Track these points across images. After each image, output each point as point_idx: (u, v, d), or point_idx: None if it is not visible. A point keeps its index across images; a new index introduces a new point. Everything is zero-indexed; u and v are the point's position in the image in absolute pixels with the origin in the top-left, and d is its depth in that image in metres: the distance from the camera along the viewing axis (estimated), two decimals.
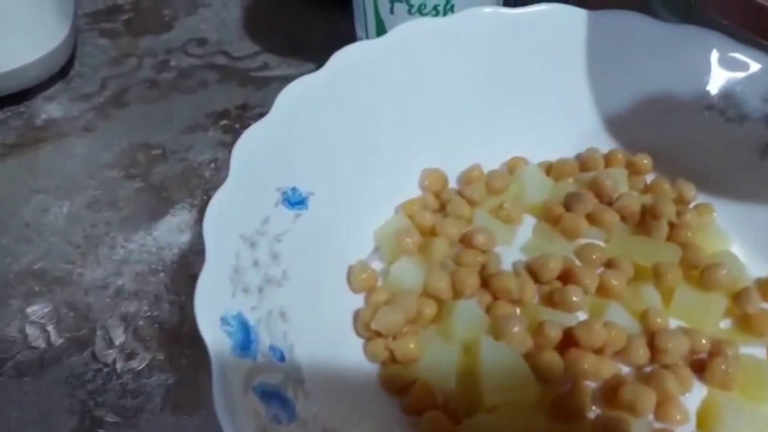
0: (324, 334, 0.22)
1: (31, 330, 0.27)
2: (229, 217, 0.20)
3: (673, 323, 0.23)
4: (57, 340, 0.26)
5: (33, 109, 0.36)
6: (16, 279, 0.28)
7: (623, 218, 0.26)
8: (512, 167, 0.28)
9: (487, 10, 0.27)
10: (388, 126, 0.27)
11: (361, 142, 0.26)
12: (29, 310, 0.27)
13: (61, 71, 0.37)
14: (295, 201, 0.24)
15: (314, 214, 0.24)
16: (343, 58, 0.25)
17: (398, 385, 0.21)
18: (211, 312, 0.18)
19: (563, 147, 0.29)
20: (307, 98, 0.24)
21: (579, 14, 0.28)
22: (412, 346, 0.22)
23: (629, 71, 0.28)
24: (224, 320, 0.18)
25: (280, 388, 0.18)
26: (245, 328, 0.19)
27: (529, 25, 0.27)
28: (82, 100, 0.36)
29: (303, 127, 0.24)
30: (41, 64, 0.35)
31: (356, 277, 0.24)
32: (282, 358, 0.19)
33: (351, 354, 0.22)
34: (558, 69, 0.28)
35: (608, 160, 0.28)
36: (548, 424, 0.20)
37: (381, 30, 0.31)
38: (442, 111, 0.28)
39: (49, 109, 0.36)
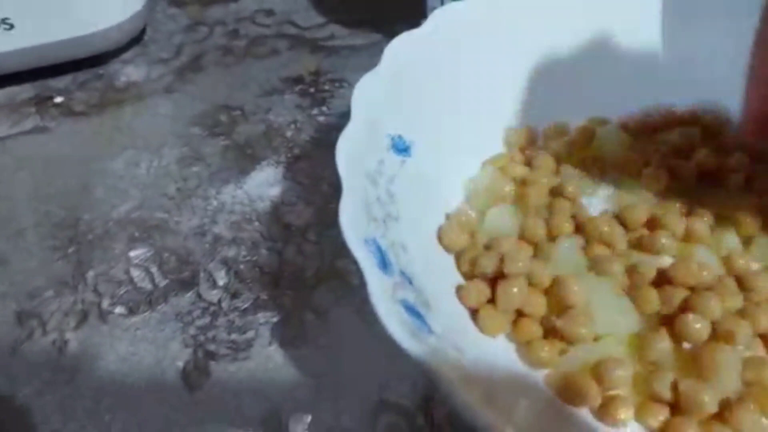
0: (435, 269, 0.23)
1: (135, 272, 0.28)
2: (355, 153, 0.22)
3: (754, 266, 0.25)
4: (161, 282, 0.27)
5: (111, 71, 0.37)
6: (116, 226, 0.29)
7: (700, 174, 0.28)
8: (593, 125, 0.29)
9: None
10: (480, 83, 0.28)
11: (455, 97, 0.27)
12: (132, 254, 0.28)
13: (136, 38, 0.38)
14: (401, 148, 0.25)
15: (416, 162, 0.25)
16: (443, 17, 0.27)
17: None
18: (356, 233, 0.19)
19: (638, 106, 0.30)
20: (411, 52, 0.26)
21: None
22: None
23: (705, 30, 0.29)
24: (366, 242, 0.19)
25: (415, 305, 0.20)
26: (381, 252, 0.20)
27: None
28: (160, 64, 0.37)
29: (407, 79, 0.26)
30: (119, 28, 0.36)
31: (454, 225, 0.25)
32: (411, 282, 0.21)
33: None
34: (634, 31, 0.30)
35: (683, 119, 0.29)
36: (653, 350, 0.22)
37: None
38: (528, 72, 0.29)
39: (128, 71, 0.37)
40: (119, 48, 0.38)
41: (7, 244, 0.28)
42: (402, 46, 0.25)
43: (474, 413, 0.16)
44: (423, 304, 0.21)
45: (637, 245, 0.25)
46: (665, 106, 0.30)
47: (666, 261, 0.25)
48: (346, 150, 0.21)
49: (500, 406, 0.18)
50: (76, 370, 0.25)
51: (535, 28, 0.29)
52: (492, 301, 0.23)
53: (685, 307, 0.23)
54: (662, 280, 0.23)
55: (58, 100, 0.35)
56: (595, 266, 0.24)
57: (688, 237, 0.25)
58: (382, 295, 0.18)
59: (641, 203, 0.26)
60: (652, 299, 0.23)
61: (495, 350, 0.22)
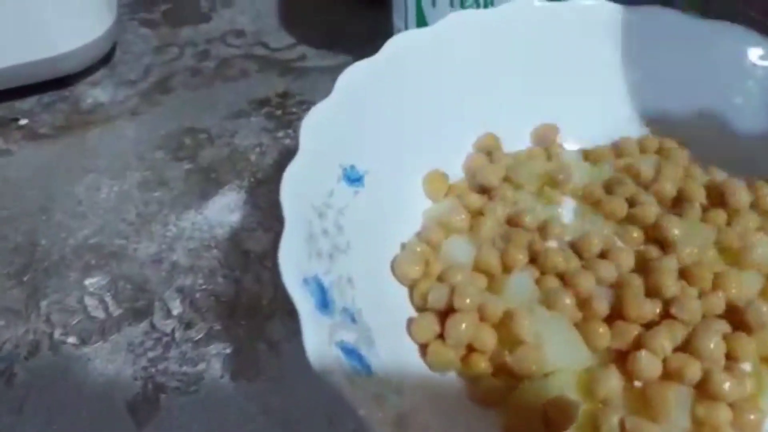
0: (385, 302, 0.23)
1: (90, 301, 0.27)
2: (301, 187, 0.21)
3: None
4: (116, 311, 0.27)
5: (78, 93, 0.37)
6: (73, 253, 0.29)
7: (659, 201, 0.27)
8: (552, 153, 0.29)
9: (524, 2, 0.28)
10: (435, 113, 0.28)
11: (410, 127, 0.27)
12: (87, 282, 0.28)
13: (104, 58, 0.38)
14: (353, 178, 0.25)
15: (369, 192, 0.25)
16: (397, 44, 0.26)
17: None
18: (295, 272, 0.19)
19: (599, 134, 0.30)
20: (363, 81, 0.25)
21: (616, 8, 0.30)
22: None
23: (664, 65, 0.29)
24: (306, 281, 0.19)
25: (355, 346, 0.19)
26: (322, 289, 0.20)
27: (571, 17, 0.29)
28: (127, 85, 0.37)
29: (359, 109, 0.25)
30: (87, 50, 0.36)
31: (408, 256, 0.25)
32: (353, 320, 0.20)
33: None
34: (596, 59, 0.30)
35: (642, 146, 0.29)
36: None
37: (421, 22, 0.33)
38: (485, 100, 0.29)
39: (95, 93, 0.37)
40: (87, 69, 0.37)
41: None
42: (355, 75, 0.25)
43: None
44: (366, 342, 0.20)
45: (592, 277, 0.25)
46: (623, 137, 0.29)
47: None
48: (292, 183, 0.21)
49: None
50: (24, 400, 0.24)
51: (491, 54, 0.29)
52: (442, 335, 0.23)
53: (637, 344, 0.22)
54: (615, 314, 0.23)
55: (23, 122, 0.35)
56: (548, 299, 0.23)
57: (644, 270, 0.25)
58: (316, 340, 0.17)
59: (598, 232, 0.26)
60: (604, 334, 0.23)
61: (442, 387, 0.22)
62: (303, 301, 0.18)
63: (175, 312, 0.27)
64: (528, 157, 0.29)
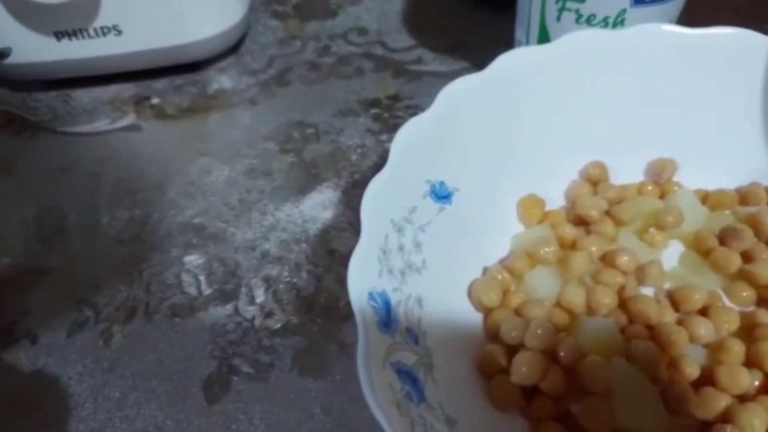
0: (454, 326, 0.23)
1: (185, 277, 0.29)
2: (383, 201, 0.21)
3: None
4: (206, 290, 0.29)
5: (206, 78, 0.39)
6: (178, 230, 0.31)
7: None
8: (665, 190, 0.27)
9: (664, 27, 0.26)
10: (540, 135, 0.27)
11: (511, 148, 0.26)
12: (186, 259, 0.30)
13: (234, 47, 0.40)
14: (441, 195, 0.24)
15: (456, 211, 0.25)
16: (507, 61, 0.25)
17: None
18: (362, 285, 0.19)
19: (723, 177, 0.27)
20: (466, 97, 0.25)
21: (761, 40, 0.26)
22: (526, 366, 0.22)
23: None
24: (371, 295, 0.19)
25: (413, 369, 0.19)
26: (388, 306, 0.20)
27: (706, 47, 0.26)
28: (250, 75, 0.39)
29: (458, 125, 0.25)
30: (220, 38, 0.38)
31: (488, 282, 0.24)
32: (416, 342, 0.20)
33: (478, 350, 0.23)
34: (730, 95, 0.27)
35: None
36: None
37: (544, 37, 0.31)
38: (596, 126, 0.28)
39: (221, 80, 0.39)
40: (218, 55, 0.40)
41: (82, 233, 0.31)
42: (458, 90, 0.25)
43: None
44: (425, 366, 0.20)
45: (686, 335, 0.23)
46: (753, 182, 0.26)
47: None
48: (374, 196, 0.21)
49: None
50: (115, 362, 0.27)
51: (610, 78, 0.27)
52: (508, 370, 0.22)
53: (725, 417, 0.20)
54: (705, 379, 0.21)
55: (155, 101, 0.38)
56: (629, 351, 0.22)
57: (748, 336, 0.22)
58: (368, 358, 0.17)
59: (703, 285, 0.24)
60: (688, 400, 0.21)
61: (501, 426, 0.21)
62: (364, 315, 0.18)
63: (258, 300, 0.28)
64: (637, 191, 0.28)
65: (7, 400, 0.25)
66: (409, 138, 0.23)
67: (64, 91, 0.38)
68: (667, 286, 0.25)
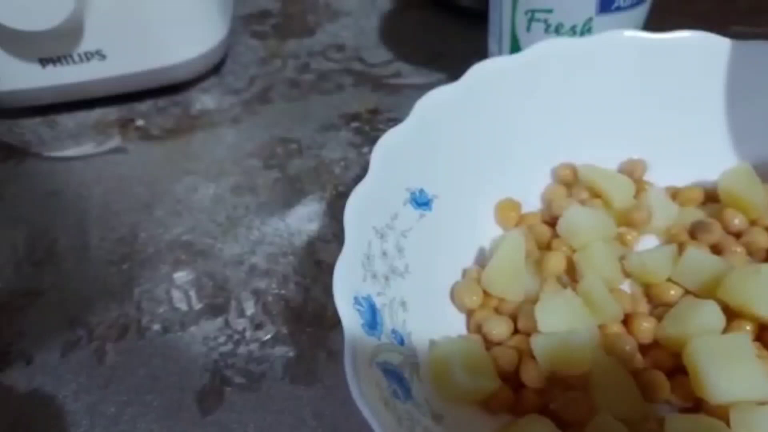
0: (438, 327, 0.23)
1: (175, 293, 0.30)
2: (366, 208, 0.22)
3: None
4: (196, 305, 0.29)
5: (189, 99, 0.40)
6: (167, 247, 0.32)
7: (749, 253, 0.26)
8: (637, 189, 0.28)
9: (627, 33, 0.27)
10: (515, 140, 0.28)
11: (487, 154, 0.27)
12: (175, 275, 0.31)
13: (216, 67, 0.41)
14: (421, 202, 0.25)
15: (436, 216, 0.26)
16: (480, 71, 0.27)
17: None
18: (346, 291, 0.20)
19: (691, 174, 0.28)
20: (442, 107, 0.26)
21: (722, 43, 0.28)
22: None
23: None
24: (356, 300, 0.20)
25: (399, 368, 0.20)
26: (373, 310, 0.20)
27: (669, 51, 0.28)
28: (232, 94, 0.40)
29: (435, 134, 0.26)
30: (202, 59, 0.39)
31: (468, 284, 0.25)
32: (401, 342, 0.21)
33: None
34: (694, 96, 0.28)
35: None
36: None
37: (515, 47, 0.33)
38: (569, 130, 0.29)
39: (204, 100, 0.40)
40: (200, 76, 0.41)
41: (73, 255, 0.32)
42: (435, 100, 0.26)
43: None
44: (411, 366, 0.21)
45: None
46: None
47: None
48: (356, 204, 0.22)
49: None
50: (109, 379, 0.27)
51: (579, 84, 0.28)
52: None
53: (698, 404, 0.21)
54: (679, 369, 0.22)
55: (139, 123, 0.39)
56: (607, 344, 0.23)
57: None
58: (355, 358, 0.18)
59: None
60: (663, 388, 0.22)
61: (483, 419, 0.22)
62: (350, 319, 0.19)
63: (248, 312, 0.29)
64: None
65: (6, 420, 0.26)
66: (389, 148, 0.24)
67: (49, 116, 0.39)
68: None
